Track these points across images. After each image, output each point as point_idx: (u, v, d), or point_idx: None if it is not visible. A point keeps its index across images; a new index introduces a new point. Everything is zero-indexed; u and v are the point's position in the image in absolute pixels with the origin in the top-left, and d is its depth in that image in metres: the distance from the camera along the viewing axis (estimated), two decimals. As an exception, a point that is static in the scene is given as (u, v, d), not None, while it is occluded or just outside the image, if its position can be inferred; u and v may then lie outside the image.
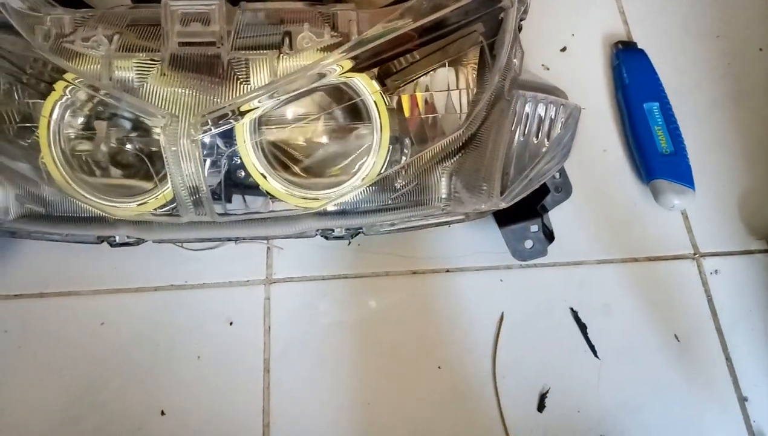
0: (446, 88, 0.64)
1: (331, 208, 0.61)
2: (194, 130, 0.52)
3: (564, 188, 0.74)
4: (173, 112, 0.53)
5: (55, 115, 0.57)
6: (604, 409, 0.72)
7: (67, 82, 0.55)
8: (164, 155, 0.53)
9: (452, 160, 0.63)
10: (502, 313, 0.76)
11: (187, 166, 0.54)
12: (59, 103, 0.57)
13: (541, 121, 0.61)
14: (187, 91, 0.54)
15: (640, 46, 0.92)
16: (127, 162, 0.60)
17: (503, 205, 0.58)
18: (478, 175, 0.60)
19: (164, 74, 0.55)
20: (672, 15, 0.97)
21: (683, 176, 0.80)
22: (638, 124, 0.84)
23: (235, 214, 0.59)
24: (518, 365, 0.74)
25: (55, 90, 0.56)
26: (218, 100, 0.54)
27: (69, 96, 0.57)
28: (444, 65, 0.63)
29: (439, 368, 0.73)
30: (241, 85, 0.55)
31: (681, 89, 0.89)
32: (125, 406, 0.71)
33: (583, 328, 0.75)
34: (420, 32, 0.60)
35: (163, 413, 0.70)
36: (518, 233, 0.71)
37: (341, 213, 0.62)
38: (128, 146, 0.60)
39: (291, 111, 0.60)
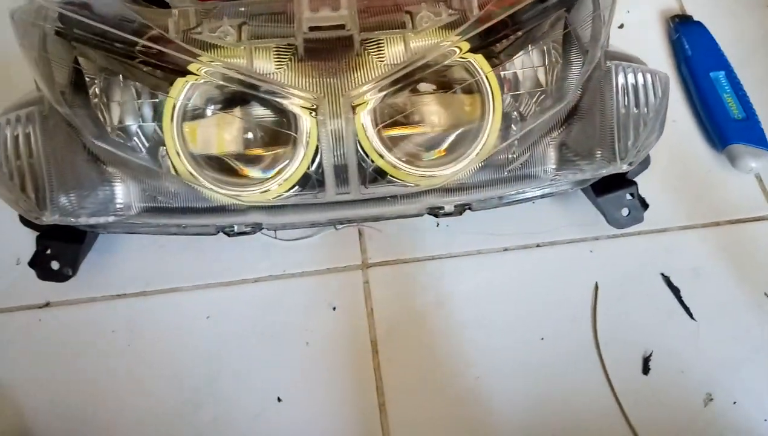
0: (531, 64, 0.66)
1: (448, 185, 0.62)
2: (347, 108, 0.54)
3: (643, 159, 0.76)
4: (320, 93, 0.54)
5: (178, 107, 0.58)
6: (706, 368, 0.74)
7: (192, 73, 0.56)
8: (319, 135, 0.55)
9: (557, 132, 0.65)
10: (596, 282, 0.78)
11: (339, 145, 0.55)
12: (183, 94, 0.58)
13: (637, 88, 0.63)
14: (326, 73, 0.55)
15: (695, 18, 0.95)
16: (249, 149, 0.62)
17: (625, 167, 0.60)
18: (591, 142, 0.62)
19: (301, 59, 0.56)
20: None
21: (758, 140, 0.82)
22: (707, 93, 0.86)
23: (375, 191, 0.60)
24: (618, 331, 0.75)
25: (177, 82, 0.58)
26: (359, 80, 0.55)
27: (195, 87, 0.58)
28: (536, 41, 0.65)
29: (542, 339, 0.75)
30: (378, 64, 0.56)
31: (739, 57, 0.92)
32: (241, 395, 0.72)
33: (676, 292, 0.77)
34: (517, 14, 0.61)
35: (279, 399, 0.72)
36: (616, 201, 0.72)
37: (457, 189, 0.63)
38: (249, 134, 0.61)
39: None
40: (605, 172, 0.62)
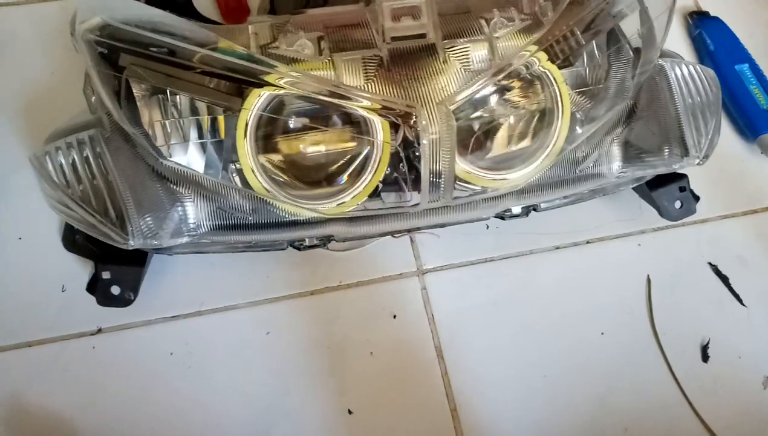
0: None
1: (522, 187, 0.63)
2: (448, 115, 0.54)
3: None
4: (413, 103, 0.54)
5: (251, 120, 0.57)
6: (762, 352, 0.76)
7: (271, 84, 0.55)
8: (421, 144, 0.54)
9: (618, 131, 0.66)
10: (647, 275, 0.79)
11: (437, 154, 0.54)
12: (255, 108, 0.57)
13: (694, 81, 0.65)
14: (414, 82, 0.55)
15: (711, 14, 0.97)
16: (323, 161, 0.61)
17: (697, 162, 0.62)
18: (657, 139, 0.63)
19: (389, 69, 0.56)
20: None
21: (789, 128, 0.85)
22: (734, 86, 0.89)
23: (465, 197, 0.60)
24: (674, 322, 0.77)
25: (252, 94, 0.57)
26: (447, 87, 0.55)
27: (267, 100, 0.57)
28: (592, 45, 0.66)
29: (603, 334, 0.76)
30: (463, 71, 0.56)
31: (758, 50, 0.95)
32: (312, 409, 0.71)
33: (725, 280, 0.79)
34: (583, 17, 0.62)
35: (350, 411, 0.71)
36: (669, 194, 0.74)
37: (531, 191, 0.64)
38: (322, 146, 0.60)
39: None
40: (677, 167, 0.64)
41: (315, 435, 0.70)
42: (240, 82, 0.55)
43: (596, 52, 0.66)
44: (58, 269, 0.75)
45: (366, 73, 0.56)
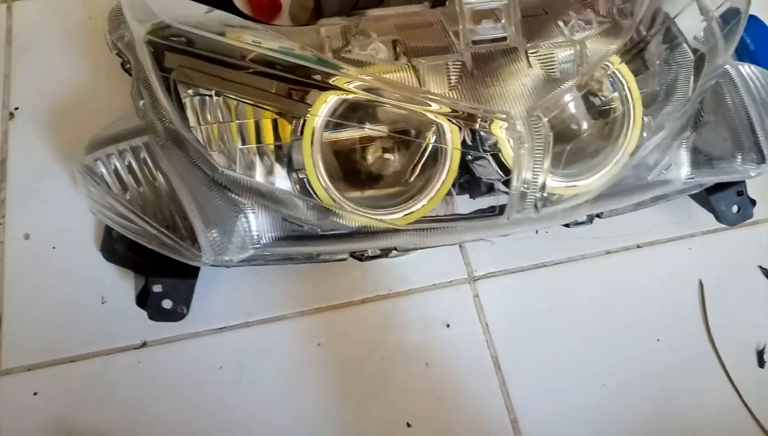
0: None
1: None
2: (543, 126, 0.51)
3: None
4: (507, 111, 0.52)
5: (318, 128, 0.55)
6: (818, 356, 0.76)
7: (340, 89, 0.53)
8: (515, 152, 0.52)
9: (686, 136, 0.64)
10: (699, 279, 0.78)
11: (529, 163, 0.52)
12: (321, 114, 0.54)
13: (757, 83, 0.64)
14: (500, 89, 0.53)
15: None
16: (390, 170, 0.58)
17: (778, 168, 0.61)
18: (728, 145, 0.62)
19: (472, 74, 0.53)
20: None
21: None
22: (778, 85, 0.88)
23: (555, 206, 0.58)
24: (728, 326, 0.76)
25: (320, 98, 0.54)
26: (533, 94, 0.53)
27: (334, 105, 0.54)
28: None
29: (658, 340, 0.75)
30: (548, 77, 0.54)
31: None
32: (370, 422, 0.69)
33: (776, 283, 0.79)
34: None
35: (408, 424, 0.69)
36: (727, 199, 0.73)
37: (602, 198, 0.62)
38: (389, 155, 0.57)
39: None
40: (754, 175, 0.62)
41: (374, 450, 0.68)
42: (310, 87, 0.53)
43: (658, 54, 0.64)
44: (96, 280, 0.72)
45: (450, 79, 0.54)
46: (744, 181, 0.74)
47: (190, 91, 0.56)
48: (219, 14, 0.58)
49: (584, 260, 0.79)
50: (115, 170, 0.57)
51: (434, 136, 0.56)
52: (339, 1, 0.73)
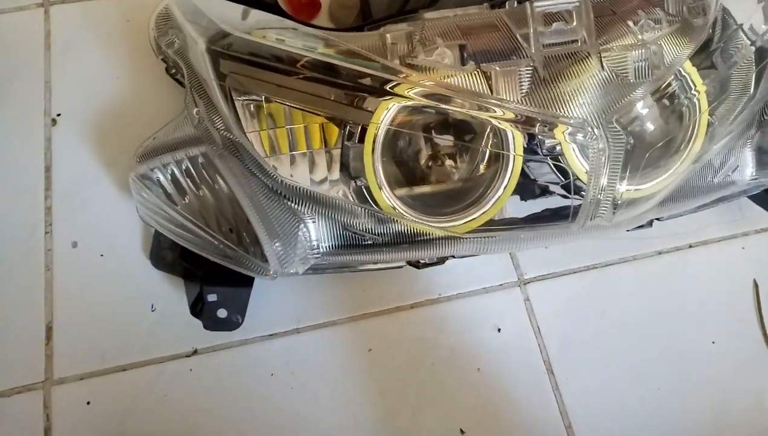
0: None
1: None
2: (619, 133, 0.50)
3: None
4: (583, 119, 0.51)
5: (380, 136, 0.54)
6: None
7: (404, 96, 0.52)
8: (595, 158, 0.51)
9: (750, 134, 0.63)
10: (754, 280, 0.77)
11: (606, 170, 0.51)
12: (382, 122, 0.53)
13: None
14: (574, 92, 0.52)
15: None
16: (450, 176, 0.57)
17: None
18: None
19: (544, 79, 0.52)
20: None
21: None
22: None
23: (628, 213, 0.57)
24: (786, 328, 0.75)
25: (381, 106, 0.53)
26: (607, 99, 0.52)
27: (395, 112, 0.53)
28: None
29: (713, 343, 0.73)
30: (621, 81, 0.53)
31: None
32: (424, 428, 0.68)
33: (836, 281, 0.77)
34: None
35: (462, 431, 0.68)
36: (785, 197, 0.71)
37: (666, 201, 0.60)
38: (450, 161, 0.56)
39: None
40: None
41: (429, 457, 0.67)
42: (373, 94, 0.51)
43: (722, 53, 0.62)
44: (145, 288, 0.72)
45: (521, 85, 0.52)
46: (803, 179, 0.72)
47: (244, 98, 0.56)
48: (273, 19, 0.57)
49: (636, 261, 0.77)
50: (173, 179, 0.56)
51: (496, 143, 0.55)
52: (388, 1, 0.72)
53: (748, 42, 0.62)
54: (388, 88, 0.52)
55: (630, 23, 0.55)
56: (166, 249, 0.69)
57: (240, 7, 0.60)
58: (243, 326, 0.69)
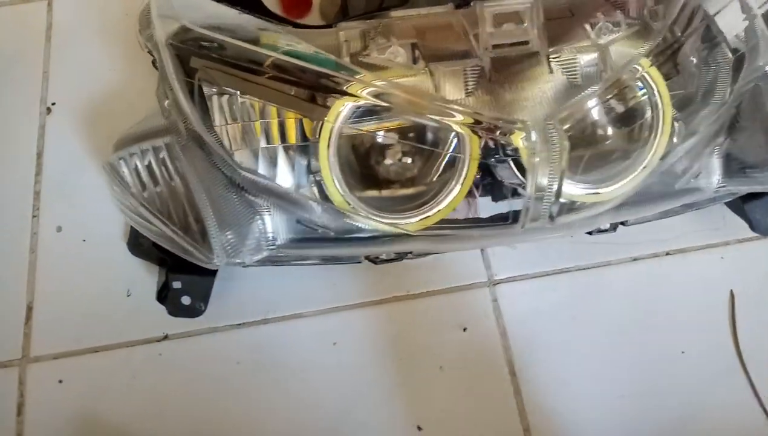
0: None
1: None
2: (560, 135, 0.50)
3: None
4: (523, 120, 0.51)
5: (334, 133, 0.55)
6: None
7: (354, 96, 0.53)
8: (530, 163, 0.51)
9: (719, 142, 0.62)
10: (731, 290, 0.75)
11: (546, 172, 0.51)
12: (339, 119, 0.54)
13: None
14: (519, 96, 0.52)
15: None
16: (406, 175, 0.58)
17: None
18: (762, 152, 0.59)
19: (490, 80, 0.53)
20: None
21: None
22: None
23: (572, 215, 0.57)
24: (761, 341, 0.73)
25: (336, 105, 0.54)
26: (553, 101, 0.52)
27: (352, 110, 0.54)
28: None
29: (683, 353, 0.72)
30: (570, 82, 0.53)
31: None
32: (382, 424, 0.69)
33: (815, 297, 0.75)
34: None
35: (419, 428, 0.69)
36: (763, 207, 0.69)
37: (625, 206, 0.60)
38: (408, 159, 0.57)
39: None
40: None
41: (384, 451, 0.68)
42: (325, 92, 0.53)
43: (694, 55, 0.61)
44: (122, 273, 0.75)
45: (467, 85, 0.53)
46: (781, 189, 0.71)
47: (215, 90, 0.57)
48: (240, 16, 0.59)
49: (610, 267, 0.76)
50: (136, 169, 0.58)
51: (453, 143, 0.56)
52: (365, 1, 0.73)
53: (729, 53, 0.61)
54: (340, 87, 0.53)
55: (588, 26, 0.55)
56: (142, 236, 0.71)
57: (211, 2, 0.62)
58: (214, 314, 0.72)
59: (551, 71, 0.53)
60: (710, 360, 0.72)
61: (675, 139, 0.59)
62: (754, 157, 0.60)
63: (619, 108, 0.56)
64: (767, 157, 0.59)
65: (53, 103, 0.85)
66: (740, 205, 0.70)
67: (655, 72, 0.55)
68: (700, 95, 0.60)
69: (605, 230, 0.65)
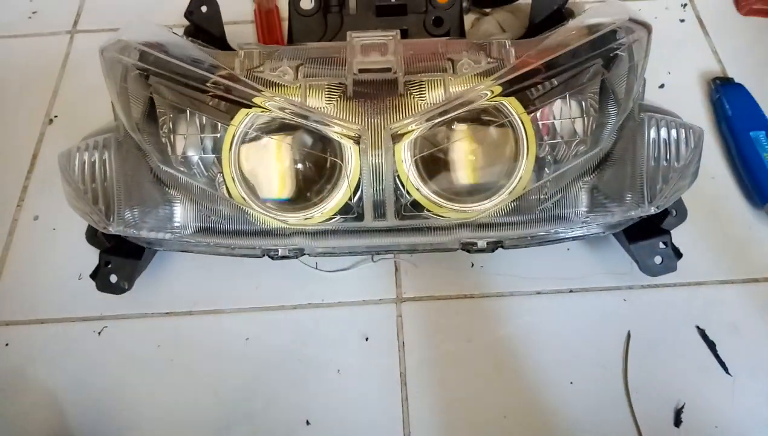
0: (569, 115, 0.69)
1: (481, 220, 0.66)
2: (387, 139, 0.59)
3: (679, 211, 0.76)
4: (363, 127, 0.60)
5: (237, 136, 0.65)
6: (743, 425, 0.72)
7: (256, 106, 0.63)
8: (361, 165, 0.60)
9: (590, 176, 0.68)
10: (629, 331, 0.78)
11: (378, 174, 0.60)
12: (242, 124, 0.64)
13: (669, 139, 0.66)
14: (371, 110, 0.61)
15: (736, 81, 0.96)
16: (297, 177, 0.67)
17: (653, 210, 0.62)
18: (622, 187, 0.64)
19: (350, 98, 0.62)
20: (763, 53, 1.02)
21: (799, 198, 0.82)
22: (747, 151, 0.87)
23: (409, 221, 0.64)
24: (650, 381, 0.75)
25: (239, 113, 0.64)
26: (401, 116, 0.61)
27: (254, 118, 0.64)
28: (566, 94, 0.69)
29: (571, 383, 0.75)
30: (418, 103, 0.62)
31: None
32: (273, 416, 0.74)
33: (711, 346, 0.76)
34: (552, 64, 0.66)
35: (308, 423, 0.74)
36: (648, 248, 0.73)
37: (489, 226, 0.66)
38: (299, 165, 0.66)
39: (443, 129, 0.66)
40: (634, 214, 0.64)
41: (271, 440, 0.73)
42: (228, 102, 0.63)
43: (573, 102, 0.68)
44: (79, 259, 0.85)
45: (328, 98, 0.63)
46: (669, 233, 0.74)
47: (160, 102, 0.69)
48: (181, 40, 0.71)
49: (513, 297, 0.81)
50: (82, 159, 0.69)
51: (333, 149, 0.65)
52: (306, 32, 0.85)
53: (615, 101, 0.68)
54: (245, 100, 0.63)
55: (451, 61, 0.64)
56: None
57: (167, 32, 0.74)
58: (147, 301, 0.81)
59: (402, 95, 0.62)
60: (597, 393, 0.75)
61: (545, 170, 0.65)
62: (612, 191, 0.66)
63: (478, 130, 0.63)
64: (621, 192, 0.64)
65: (56, 116, 0.99)
66: (627, 245, 0.74)
67: (513, 102, 0.62)
68: (565, 132, 0.67)
69: (483, 250, 0.71)
